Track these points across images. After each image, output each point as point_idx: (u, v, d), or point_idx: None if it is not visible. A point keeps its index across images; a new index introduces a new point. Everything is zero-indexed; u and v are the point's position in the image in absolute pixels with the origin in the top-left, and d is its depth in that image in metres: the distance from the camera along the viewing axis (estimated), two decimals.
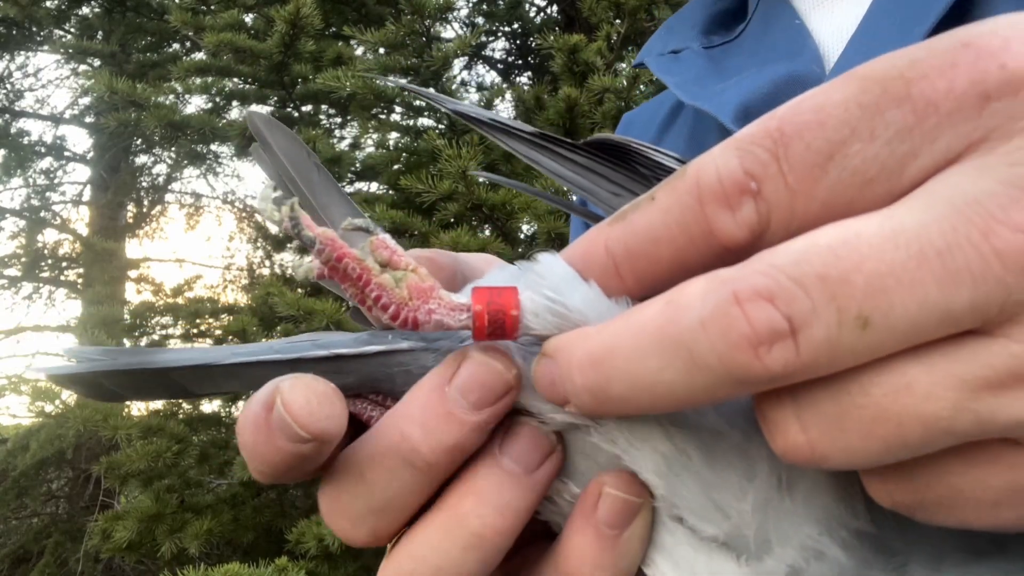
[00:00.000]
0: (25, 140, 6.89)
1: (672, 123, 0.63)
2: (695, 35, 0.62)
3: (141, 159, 7.30)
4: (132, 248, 7.60)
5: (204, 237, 12.90)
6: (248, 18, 3.24)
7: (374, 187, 3.50)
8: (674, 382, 0.21)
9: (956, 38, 0.20)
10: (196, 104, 3.74)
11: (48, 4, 4.84)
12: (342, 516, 0.30)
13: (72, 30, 5.10)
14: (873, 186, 0.20)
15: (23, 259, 7.00)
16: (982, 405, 0.19)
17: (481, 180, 2.49)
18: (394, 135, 3.41)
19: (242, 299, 5.41)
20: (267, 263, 6.51)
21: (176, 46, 4.71)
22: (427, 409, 0.26)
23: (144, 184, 7.73)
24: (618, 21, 2.80)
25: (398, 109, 3.41)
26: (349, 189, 3.64)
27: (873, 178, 0.20)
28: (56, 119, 7.15)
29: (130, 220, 7.46)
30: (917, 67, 0.20)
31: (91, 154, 7.22)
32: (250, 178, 10.39)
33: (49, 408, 2.75)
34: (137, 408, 3.62)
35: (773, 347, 0.19)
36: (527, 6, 4.59)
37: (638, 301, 0.23)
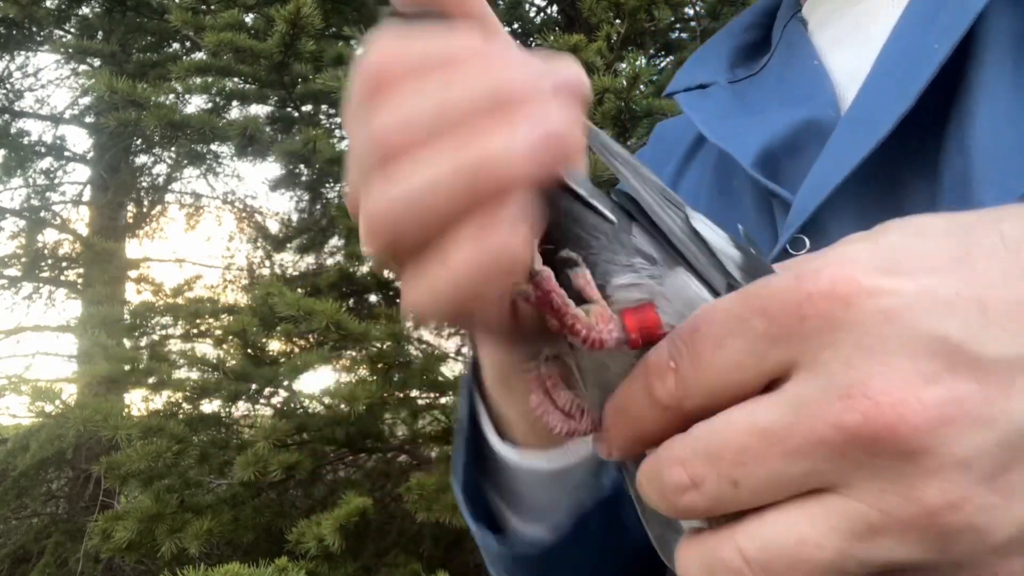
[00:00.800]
0: (25, 140, 6.89)
1: (698, 150, 0.66)
2: (722, 68, 0.65)
3: (141, 159, 7.30)
4: (132, 248, 7.61)
5: (204, 237, 12.90)
6: (248, 18, 3.23)
7: None
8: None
9: (792, 270, 0.28)
10: (196, 104, 3.75)
11: (48, 4, 4.84)
12: None
13: (72, 30, 5.10)
14: (745, 369, 0.28)
15: (23, 259, 7.00)
16: (859, 551, 0.26)
17: None
18: None
19: (242, 299, 5.41)
20: (267, 263, 6.51)
21: (176, 46, 4.71)
22: None
23: (144, 184, 7.73)
24: (618, 21, 2.79)
25: None
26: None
27: (743, 363, 0.28)
28: (56, 119, 7.15)
29: (130, 220, 7.46)
30: (768, 288, 0.28)
31: (91, 154, 7.22)
32: (250, 178, 10.40)
33: (49, 408, 2.74)
34: (137, 408, 3.62)
35: (684, 494, 0.28)
36: (527, 6, 4.59)
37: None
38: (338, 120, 4.00)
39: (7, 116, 6.59)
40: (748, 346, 0.27)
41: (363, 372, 2.94)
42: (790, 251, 0.51)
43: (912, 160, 0.49)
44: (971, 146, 0.45)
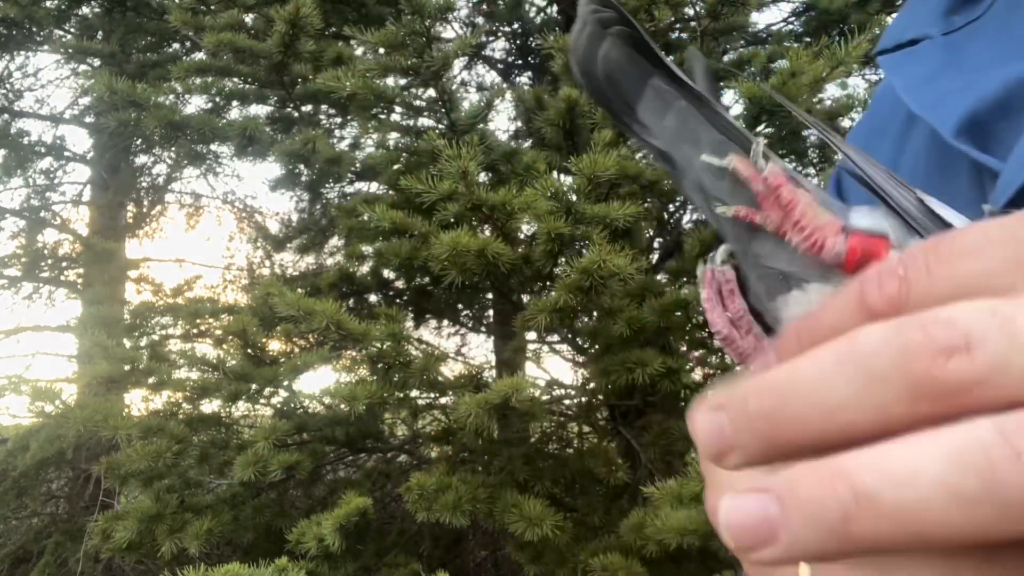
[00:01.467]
0: (25, 140, 6.88)
1: (914, 122, 0.56)
2: (936, 17, 0.55)
3: (141, 159, 7.31)
4: (132, 248, 7.61)
5: (204, 237, 12.89)
6: (248, 18, 3.24)
7: (374, 187, 3.50)
8: (851, 396, 0.22)
9: None
10: (196, 104, 3.75)
11: (48, 4, 4.84)
12: None
13: (72, 30, 5.10)
14: (995, 280, 0.22)
15: (23, 259, 7.00)
16: None
17: (481, 180, 2.50)
18: (394, 135, 3.41)
19: (242, 299, 5.41)
20: (267, 263, 6.51)
21: (176, 46, 4.71)
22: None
23: (144, 184, 7.73)
24: None
25: (398, 109, 3.41)
26: (349, 189, 3.64)
27: (994, 274, 0.22)
28: (56, 119, 7.15)
29: (130, 220, 7.46)
30: None
31: (91, 154, 7.22)
32: (250, 178, 10.40)
33: (49, 408, 2.74)
34: (137, 408, 3.62)
35: (952, 358, 0.20)
36: (527, 6, 4.59)
37: None
38: (338, 120, 4.00)
39: (7, 116, 6.59)
40: (1003, 262, 0.22)
41: (363, 372, 2.94)
42: None
43: None
44: None
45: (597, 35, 0.30)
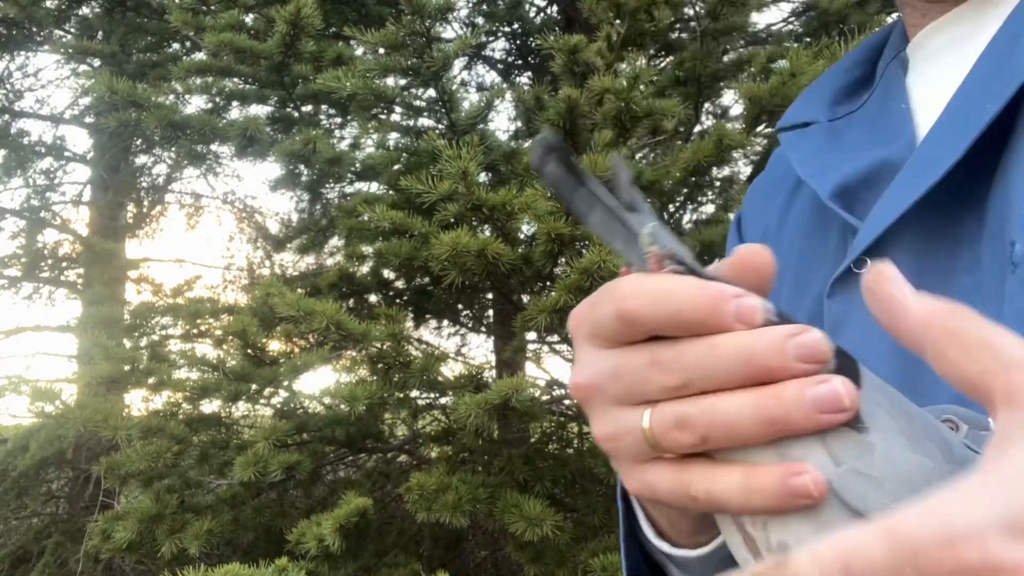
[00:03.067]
0: (25, 140, 6.89)
1: (803, 183, 0.72)
2: (824, 107, 0.72)
3: (141, 159, 7.31)
4: (132, 248, 7.61)
5: (204, 237, 12.91)
6: (248, 18, 3.24)
7: (374, 187, 3.50)
8: None
9: (941, 516, 0.28)
10: (196, 104, 3.74)
11: (48, 4, 4.85)
12: None
13: (72, 30, 5.10)
14: None
15: (23, 259, 7.00)
16: None
17: (481, 180, 2.50)
18: (394, 135, 3.41)
19: (242, 299, 5.41)
20: (267, 263, 6.52)
21: (176, 46, 4.71)
22: (768, 338, 0.37)
23: (144, 184, 7.73)
24: (618, 21, 2.79)
25: (398, 109, 3.41)
26: (349, 189, 3.64)
27: None
28: (56, 119, 7.15)
29: (130, 220, 7.46)
30: (919, 536, 0.27)
31: (91, 154, 7.22)
32: (250, 178, 10.40)
33: (49, 408, 2.74)
34: (137, 408, 3.62)
35: None
36: (527, 6, 4.59)
37: None
38: (338, 120, 4.00)
39: (7, 116, 6.59)
40: None
41: (363, 372, 2.94)
42: (853, 270, 0.59)
43: (966, 199, 0.56)
44: (1011, 190, 0.52)
45: (543, 156, 0.40)
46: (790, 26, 3.96)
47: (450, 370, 3.15)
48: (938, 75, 0.65)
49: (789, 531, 0.36)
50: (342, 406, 2.73)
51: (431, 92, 2.98)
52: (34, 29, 5.25)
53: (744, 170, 3.27)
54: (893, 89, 0.67)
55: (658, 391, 0.38)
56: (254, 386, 2.95)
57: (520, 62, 4.89)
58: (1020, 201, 0.51)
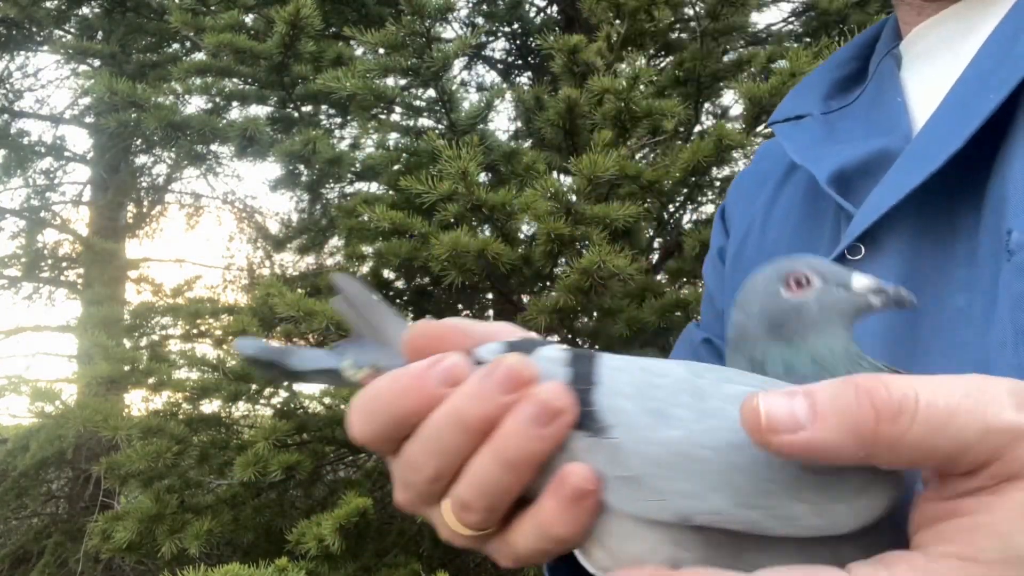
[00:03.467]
0: (25, 140, 6.88)
1: (792, 174, 0.75)
2: (817, 101, 0.74)
3: (141, 159, 7.30)
4: (132, 248, 7.61)
5: (204, 237, 12.91)
6: (248, 18, 3.24)
7: (374, 187, 3.50)
8: None
9: None
10: (196, 104, 3.74)
11: (48, 4, 4.84)
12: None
13: (72, 30, 5.10)
14: None
15: (23, 259, 7.00)
16: None
17: (481, 180, 2.50)
18: (394, 135, 3.41)
19: (242, 299, 5.41)
20: (267, 263, 6.51)
21: (176, 46, 4.71)
22: (472, 388, 0.37)
23: (144, 184, 7.73)
24: (618, 21, 2.80)
25: (398, 109, 3.41)
26: (349, 189, 3.64)
27: None
28: (56, 119, 7.15)
29: (130, 220, 7.46)
30: None
31: (91, 154, 7.22)
32: (250, 178, 10.40)
33: (49, 408, 2.74)
34: (137, 408, 3.62)
35: None
36: (527, 6, 4.59)
37: None
38: (338, 120, 4.00)
39: (7, 116, 6.59)
40: None
41: None
42: (847, 256, 0.59)
43: (963, 190, 0.56)
44: (1008, 179, 0.52)
45: (252, 358, 0.44)
46: (790, 26, 3.96)
47: None
48: (933, 70, 0.65)
49: (610, 552, 0.36)
50: (342, 406, 2.73)
51: (431, 92, 2.98)
52: (34, 29, 5.25)
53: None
54: (888, 83, 0.68)
55: (430, 486, 0.39)
56: (254, 386, 2.95)
57: (520, 62, 4.89)
58: (1017, 189, 0.51)
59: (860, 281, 0.41)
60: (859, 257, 0.58)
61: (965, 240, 0.55)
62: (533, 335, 0.45)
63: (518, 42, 4.74)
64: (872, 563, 0.33)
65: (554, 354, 0.40)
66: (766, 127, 0.73)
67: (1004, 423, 0.31)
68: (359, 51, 3.28)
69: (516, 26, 4.54)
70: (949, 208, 0.56)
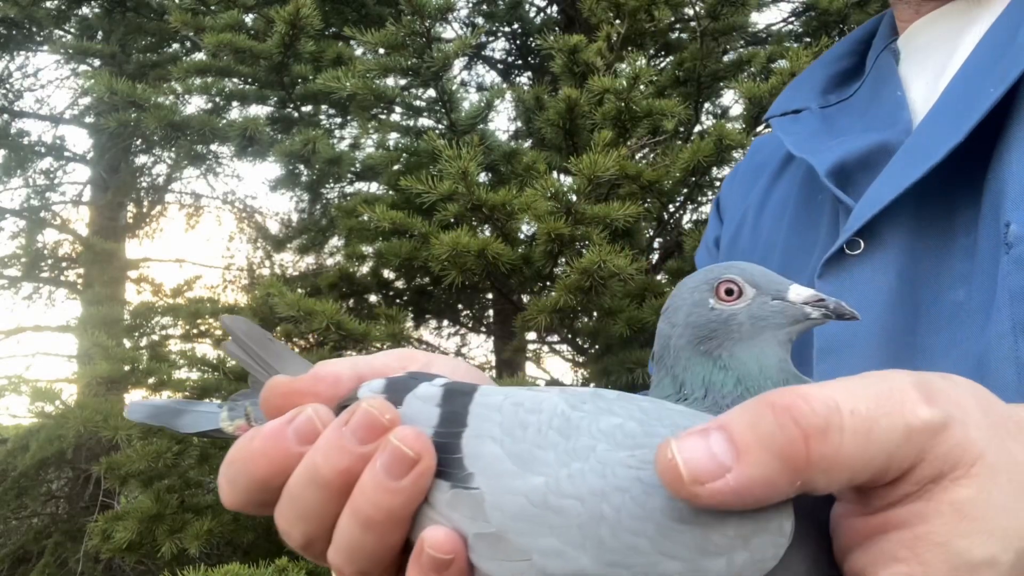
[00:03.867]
0: (25, 140, 6.88)
1: (787, 167, 0.75)
2: (815, 95, 0.74)
3: (141, 159, 7.30)
4: (132, 248, 7.60)
5: (204, 237, 12.90)
6: (248, 18, 3.23)
7: (374, 187, 3.50)
8: None
9: None
10: (196, 104, 3.74)
11: (48, 4, 4.84)
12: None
13: (72, 30, 5.10)
14: None
15: (23, 259, 6.99)
16: None
17: (481, 180, 2.50)
18: (394, 135, 3.40)
19: (242, 299, 5.40)
20: (267, 263, 6.51)
21: (176, 46, 4.71)
22: (327, 442, 0.35)
23: (144, 184, 7.72)
24: (618, 21, 2.79)
25: (398, 109, 3.41)
26: (349, 189, 3.64)
27: None
28: (56, 119, 7.15)
29: (130, 220, 7.45)
30: None
31: (91, 154, 7.21)
32: (250, 178, 10.39)
33: (49, 408, 2.74)
34: None
35: None
36: (527, 6, 4.58)
37: None
38: (338, 120, 4.00)
39: (7, 116, 6.59)
40: None
41: None
42: (846, 251, 0.58)
43: (963, 183, 0.55)
44: (1006, 172, 0.52)
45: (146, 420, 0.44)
46: (790, 26, 3.96)
47: None
48: (932, 65, 0.65)
49: None
50: None
51: (431, 92, 2.98)
52: (34, 29, 5.25)
53: None
54: (886, 78, 0.68)
55: (307, 552, 0.37)
56: None
57: (520, 62, 4.89)
58: (1015, 183, 0.51)
59: (797, 292, 0.38)
60: (859, 251, 0.57)
61: (964, 234, 0.54)
62: (429, 360, 0.41)
63: (518, 42, 4.74)
64: None
65: (428, 392, 0.36)
66: (764, 120, 0.73)
67: (921, 421, 0.29)
68: (359, 51, 3.28)
69: (516, 26, 4.54)
70: (948, 202, 0.56)
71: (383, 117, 3.46)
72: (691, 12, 3.14)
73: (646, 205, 2.64)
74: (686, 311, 0.39)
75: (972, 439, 0.30)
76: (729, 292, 0.38)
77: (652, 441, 0.31)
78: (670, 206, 3.09)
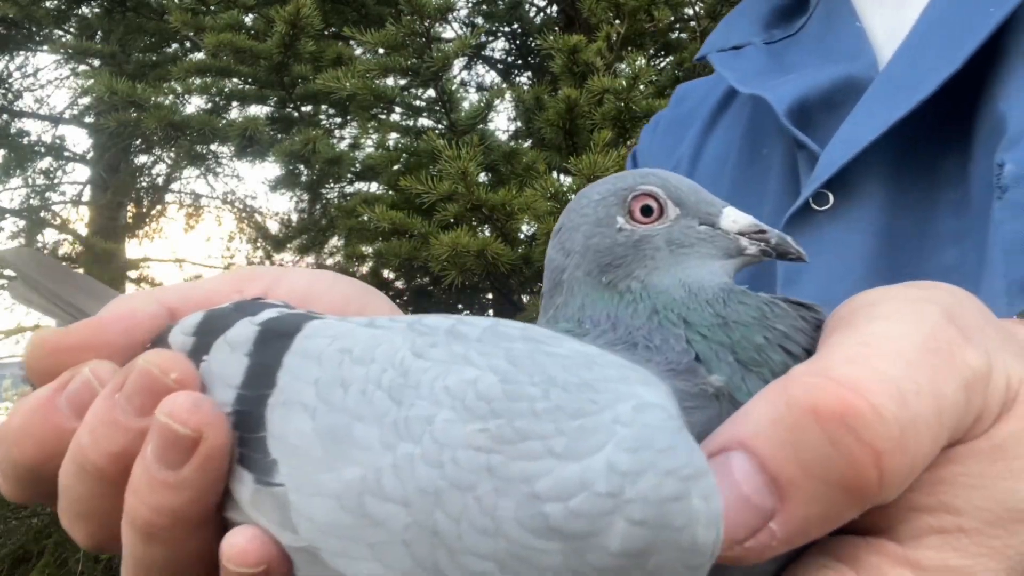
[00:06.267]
0: (25, 140, 6.88)
1: (724, 112, 0.65)
2: (756, 30, 0.64)
3: (141, 159, 7.30)
4: (132, 248, 7.61)
5: (204, 237, 12.89)
6: (248, 18, 3.24)
7: (374, 187, 3.50)
8: None
9: None
10: (196, 104, 3.75)
11: (48, 4, 4.84)
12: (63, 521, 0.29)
13: (72, 30, 5.10)
14: None
15: None
16: None
17: (481, 180, 2.50)
18: (394, 135, 3.41)
19: None
20: (267, 263, 6.51)
21: (176, 46, 4.71)
22: (96, 416, 0.25)
23: (144, 184, 7.73)
24: (618, 21, 2.79)
25: (398, 109, 3.41)
26: (349, 189, 3.64)
27: None
28: (56, 119, 7.15)
29: (130, 220, 7.46)
30: None
31: (91, 154, 7.22)
32: (250, 178, 10.40)
33: None
34: None
35: None
36: (527, 6, 4.59)
37: None
38: (338, 120, 4.00)
39: (7, 116, 6.59)
40: None
41: None
42: (812, 205, 0.48)
43: (946, 128, 0.47)
44: (1000, 109, 0.44)
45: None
46: None
47: None
48: None
49: None
50: None
51: (431, 92, 2.98)
52: (34, 29, 5.25)
53: None
54: (838, 9, 0.60)
55: (109, 552, 0.29)
56: None
57: (520, 62, 4.89)
58: (1012, 118, 0.43)
59: (733, 218, 0.29)
60: (827, 206, 0.48)
61: (951, 185, 0.46)
62: (277, 278, 0.29)
63: (518, 42, 4.74)
64: (822, 567, 0.23)
65: (239, 335, 0.25)
66: (699, 58, 0.66)
67: (972, 370, 0.23)
68: (359, 51, 3.28)
69: (516, 26, 4.54)
70: (931, 148, 0.47)
71: (383, 117, 3.46)
72: (691, 12, 3.15)
73: None
74: (586, 231, 0.29)
75: (1011, 373, 0.24)
76: (646, 211, 0.29)
77: (515, 407, 0.21)
78: None
